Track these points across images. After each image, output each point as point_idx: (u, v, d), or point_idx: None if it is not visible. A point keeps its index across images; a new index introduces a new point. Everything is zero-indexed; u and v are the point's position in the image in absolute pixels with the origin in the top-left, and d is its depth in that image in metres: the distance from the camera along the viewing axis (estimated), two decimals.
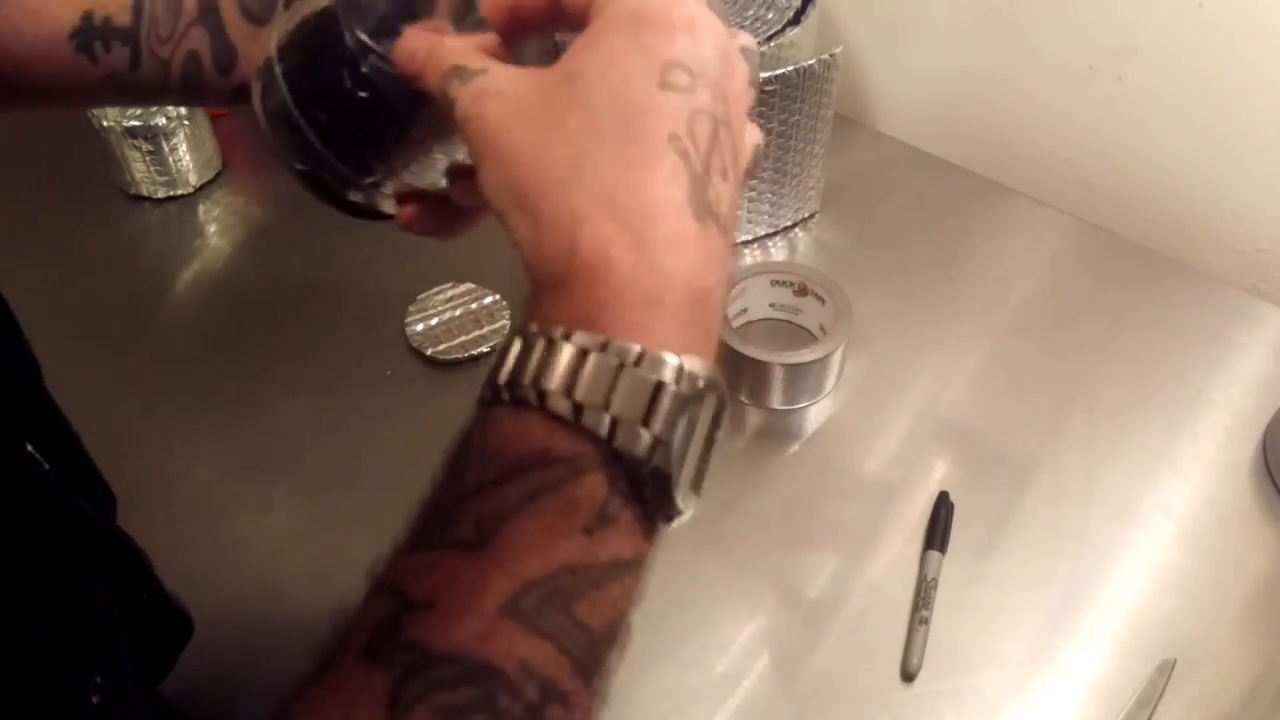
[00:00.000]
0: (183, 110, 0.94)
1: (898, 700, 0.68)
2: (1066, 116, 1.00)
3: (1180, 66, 0.91)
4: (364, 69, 0.40)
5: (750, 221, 0.94)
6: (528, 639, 0.30)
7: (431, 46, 0.37)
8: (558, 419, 0.31)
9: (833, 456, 0.80)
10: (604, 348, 0.31)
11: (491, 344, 0.85)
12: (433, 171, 0.43)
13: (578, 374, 0.31)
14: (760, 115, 0.87)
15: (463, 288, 0.89)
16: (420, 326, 0.86)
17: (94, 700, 0.42)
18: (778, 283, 0.86)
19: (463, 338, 0.86)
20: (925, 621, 0.70)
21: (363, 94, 0.40)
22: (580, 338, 0.31)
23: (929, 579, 0.72)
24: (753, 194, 0.92)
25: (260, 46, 0.43)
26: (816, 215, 0.98)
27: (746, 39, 0.37)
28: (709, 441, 0.34)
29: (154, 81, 0.51)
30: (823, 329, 0.85)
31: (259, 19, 0.50)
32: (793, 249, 0.96)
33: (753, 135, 0.37)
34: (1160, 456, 0.80)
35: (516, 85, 0.34)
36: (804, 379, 0.82)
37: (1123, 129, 0.97)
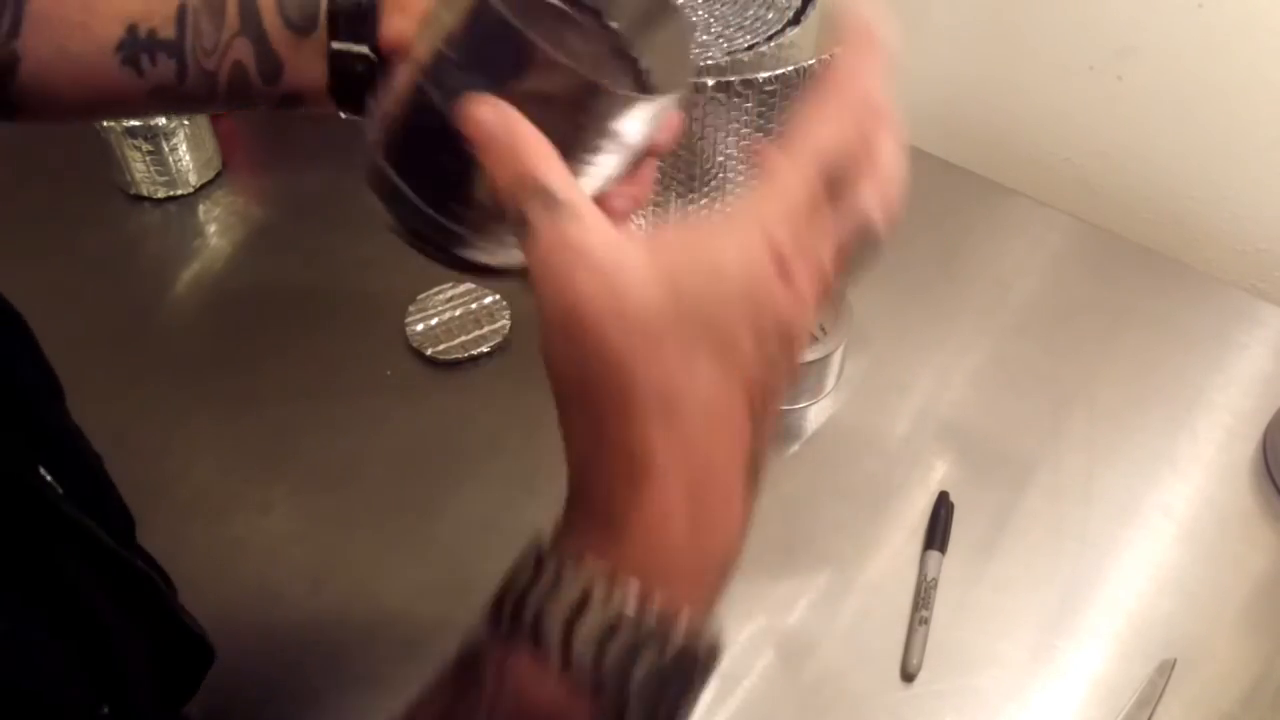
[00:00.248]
0: None
1: (898, 700, 0.68)
2: (1066, 116, 1.00)
3: (1180, 66, 0.91)
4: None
5: None
6: None
7: (509, 131, 0.32)
8: (575, 683, 0.31)
9: (833, 456, 0.80)
10: (639, 619, 0.30)
11: (492, 344, 0.85)
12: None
13: (607, 644, 0.30)
14: (760, 115, 0.87)
15: (463, 288, 0.89)
16: (420, 326, 0.86)
17: None
18: None
19: (463, 338, 0.85)
20: (925, 621, 0.70)
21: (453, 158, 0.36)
22: (618, 600, 0.30)
23: (929, 579, 0.72)
24: None
25: (367, 128, 0.43)
26: None
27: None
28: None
29: (201, 91, 0.51)
30: (823, 329, 0.85)
31: (300, 28, 0.50)
32: None
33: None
34: (1160, 456, 0.80)
35: (612, 257, 0.30)
36: (804, 379, 0.82)
37: (1123, 129, 0.97)
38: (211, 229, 0.98)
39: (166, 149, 0.95)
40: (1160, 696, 0.67)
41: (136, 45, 0.50)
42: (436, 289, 0.88)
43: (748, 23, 0.90)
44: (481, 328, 0.86)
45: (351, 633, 0.70)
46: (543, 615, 0.31)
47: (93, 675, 0.43)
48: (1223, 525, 0.76)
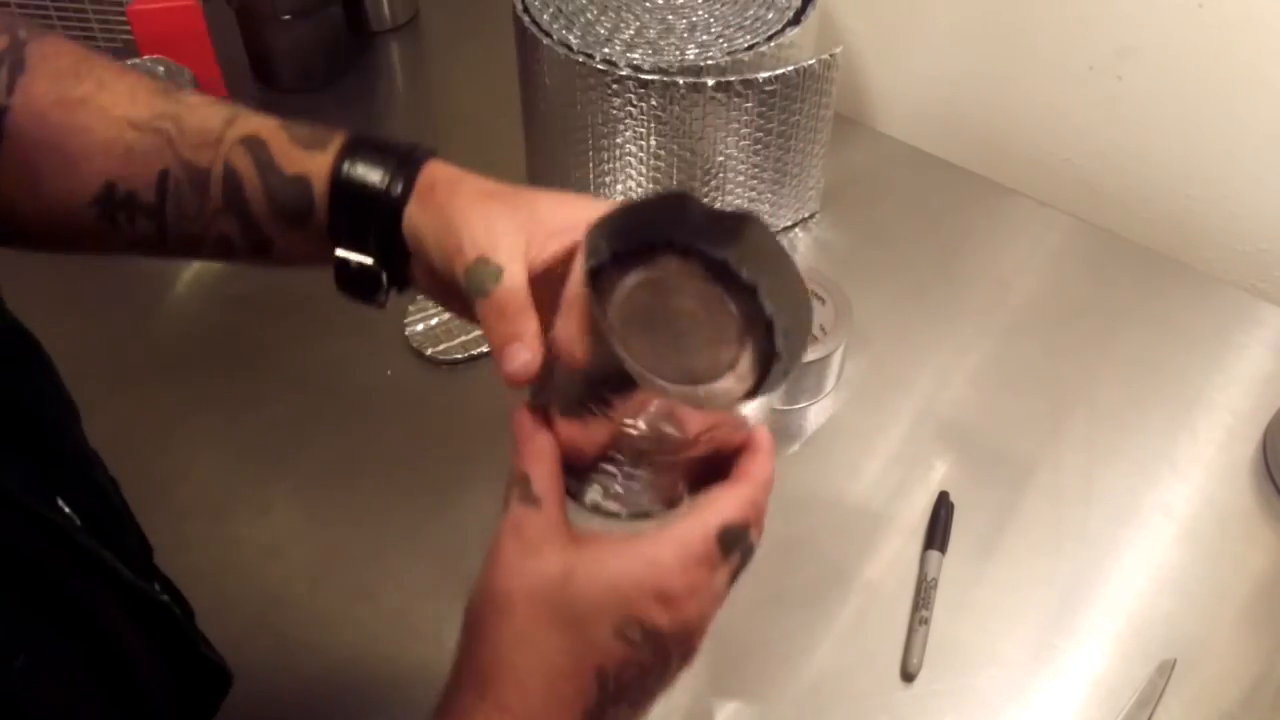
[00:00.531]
0: None
1: (898, 700, 0.68)
2: (1066, 116, 1.00)
3: (1180, 66, 0.91)
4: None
5: None
6: None
7: (525, 437, 0.42)
8: None
9: (833, 456, 0.80)
10: None
11: None
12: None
13: None
14: (760, 115, 0.87)
15: None
16: (420, 326, 0.86)
17: None
18: None
19: (463, 338, 0.86)
20: (925, 621, 0.70)
21: None
22: None
23: (929, 579, 0.72)
24: (753, 194, 0.92)
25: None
26: (816, 215, 0.98)
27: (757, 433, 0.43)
28: None
29: (185, 250, 0.50)
30: (823, 329, 0.85)
31: (291, 219, 0.49)
32: (793, 249, 0.96)
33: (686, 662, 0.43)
34: (1160, 456, 0.80)
35: (542, 541, 0.41)
36: (804, 379, 0.82)
37: (1123, 129, 0.97)
38: None
39: None
40: (1160, 696, 0.67)
41: (114, 203, 0.48)
42: None
43: (748, 23, 0.90)
44: None
45: (351, 633, 0.70)
46: None
47: (117, 706, 0.43)
48: (1223, 525, 0.76)
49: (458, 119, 1.11)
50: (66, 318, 0.88)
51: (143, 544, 0.56)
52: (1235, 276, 0.97)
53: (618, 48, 0.87)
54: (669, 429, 0.40)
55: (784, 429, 0.82)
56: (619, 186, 0.92)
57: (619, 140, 0.88)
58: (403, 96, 1.15)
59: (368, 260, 0.49)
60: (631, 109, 0.86)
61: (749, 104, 0.86)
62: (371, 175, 0.47)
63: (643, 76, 0.84)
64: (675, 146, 0.88)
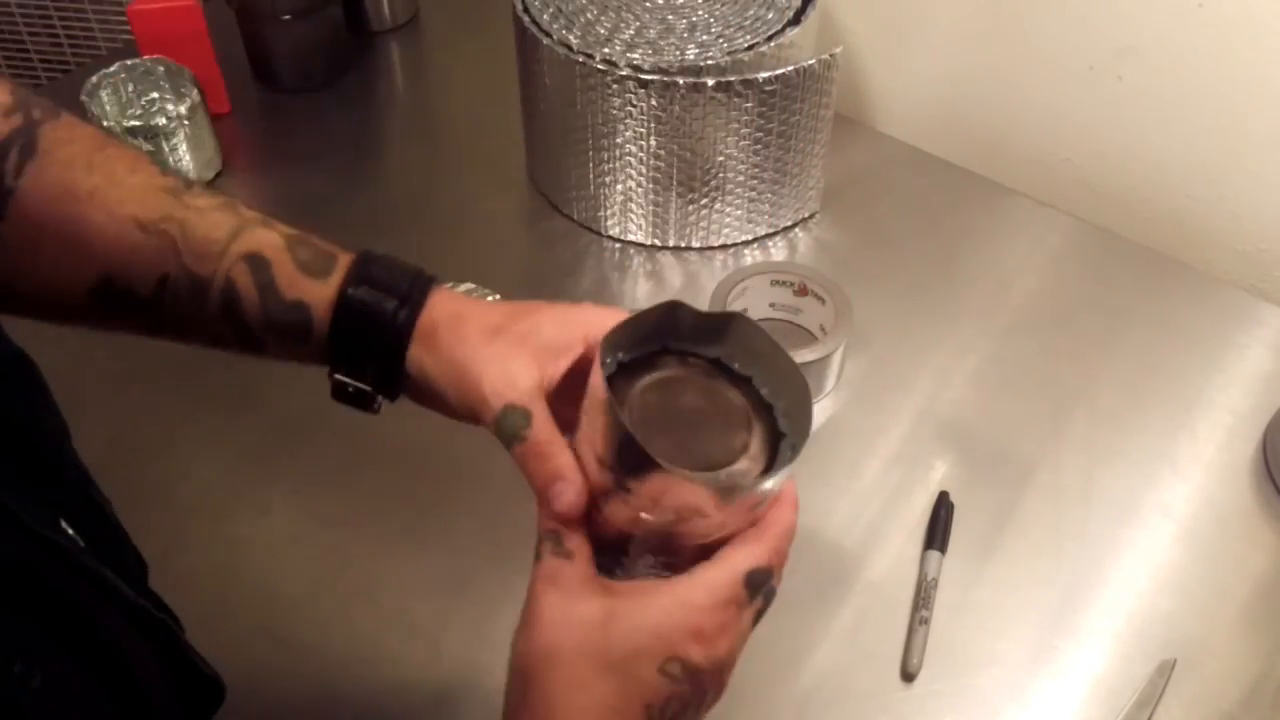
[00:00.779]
0: (183, 109, 0.94)
1: (898, 700, 0.68)
2: (1066, 116, 1.00)
3: (1180, 66, 0.91)
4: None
5: (750, 221, 0.94)
6: None
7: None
8: None
9: (833, 456, 0.80)
10: None
11: None
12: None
13: None
14: (760, 115, 0.87)
15: (463, 288, 0.88)
16: None
17: None
18: (778, 283, 0.86)
19: None
20: (925, 621, 0.70)
21: None
22: None
23: (929, 579, 0.72)
24: (753, 194, 0.92)
25: None
26: (816, 215, 0.98)
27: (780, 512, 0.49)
28: None
29: (178, 339, 0.51)
30: (823, 329, 0.85)
31: (291, 336, 0.49)
32: (793, 249, 0.96)
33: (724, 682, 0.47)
34: (1160, 456, 0.80)
35: (577, 593, 0.43)
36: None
37: (1123, 129, 0.97)
38: None
39: (167, 149, 0.95)
40: (1160, 696, 0.67)
41: (110, 295, 0.48)
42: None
43: (748, 23, 0.90)
44: None
45: (351, 633, 0.70)
46: None
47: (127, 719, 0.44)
48: (1223, 525, 0.76)
49: (458, 119, 1.11)
50: None
51: (139, 562, 0.56)
52: (1235, 276, 0.97)
53: (618, 48, 0.87)
54: (690, 515, 0.44)
55: None
56: (619, 186, 0.92)
57: (619, 140, 0.88)
58: (403, 96, 1.15)
59: (366, 386, 0.50)
60: (631, 109, 0.86)
61: (749, 104, 0.86)
62: (373, 311, 0.48)
63: (643, 76, 0.84)
64: (675, 146, 0.88)
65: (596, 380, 0.43)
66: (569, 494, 0.44)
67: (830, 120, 0.92)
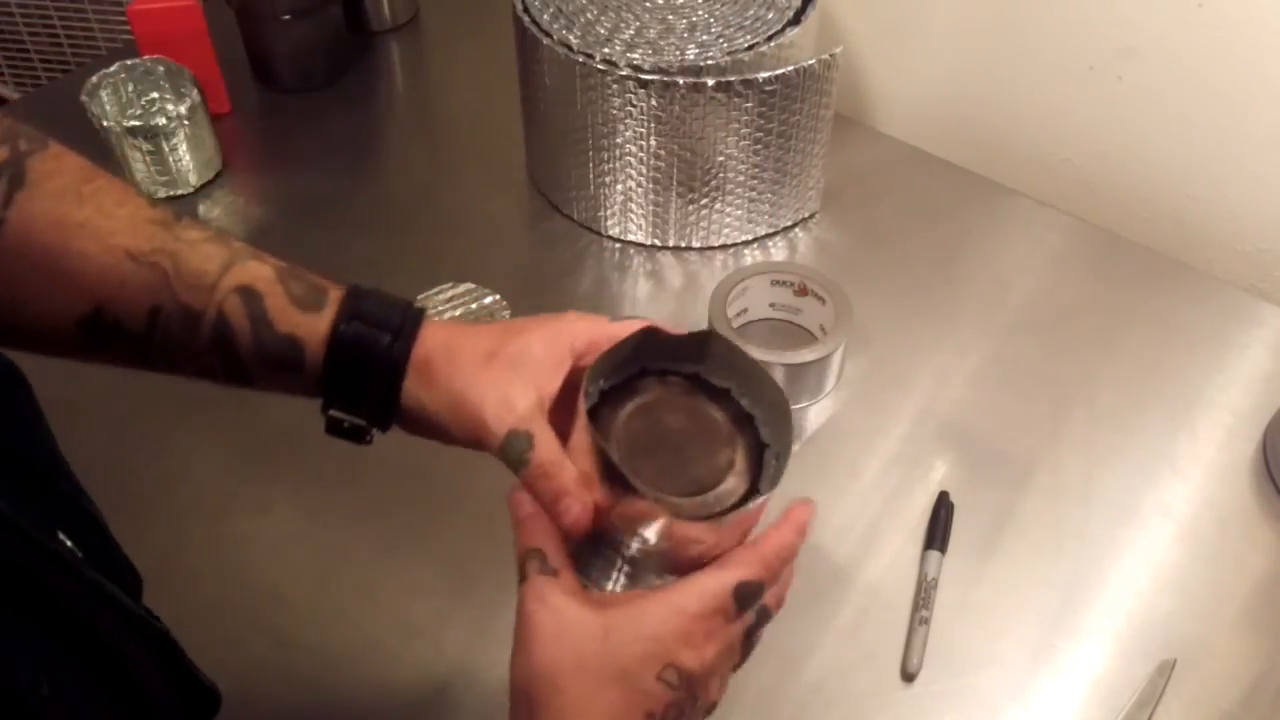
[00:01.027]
0: (183, 109, 0.94)
1: (898, 700, 0.68)
2: (1066, 116, 1.00)
3: (1180, 66, 0.91)
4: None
5: (750, 221, 0.94)
6: None
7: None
8: None
9: (833, 456, 0.80)
10: None
11: None
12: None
13: None
14: (760, 115, 0.87)
15: (463, 288, 0.89)
16: None
17: None
18: (778, 283, 0.86)
19: None
20: (925, 621, 0.70)
21: None
22: None
23: (929, 579, 0.72)
24: (753, 194, 0.92)
25: None
26: (816, 215, 0.98)
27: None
28: None
29: (169, 371, 0.51)
30: (823, 329, 0.85)
31: (284, 366, 0.49)
32: (793, 249, 0.96)
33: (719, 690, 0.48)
34: (1160, 456, 0.80)
35: (569, 608, 0.44)
36: (804, 379, 0.82)
37: (1123, 129, 0.97)
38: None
39: (167, 149, 0.95)
40: (1160, 696, 0.67)
41: (100, 327, 0.48)
42: (436, 289, 0.88)
43: (748, 23, 0.90)
44: None
45: (351, 633, 0.70)
46: None
47: None
48: (1223, 525, 0.76)
49: (458, 119, 1.11)
50: None
51: (133, 574, 0.56)
52: (1235, 276, 0.97)
53: (618, 48, 0.87)
54: (682, 541, 0.46)
55: None
56: (619, 186, 0.92)
57: (619, 140, 0.88)
58: (403, 96, 1.15)
59: (359, 421, 0.51)
60: (631, 109, 0.86)
61: (749, 104, 0.86)
62: (367, 346, 0.49)
63: (643, 76, 0.84)
64: (675, 146, 0.88)
65: (583, 420, 0.46)
66: (575, 508, 0.45)
67: (830, 120, 0.92)
